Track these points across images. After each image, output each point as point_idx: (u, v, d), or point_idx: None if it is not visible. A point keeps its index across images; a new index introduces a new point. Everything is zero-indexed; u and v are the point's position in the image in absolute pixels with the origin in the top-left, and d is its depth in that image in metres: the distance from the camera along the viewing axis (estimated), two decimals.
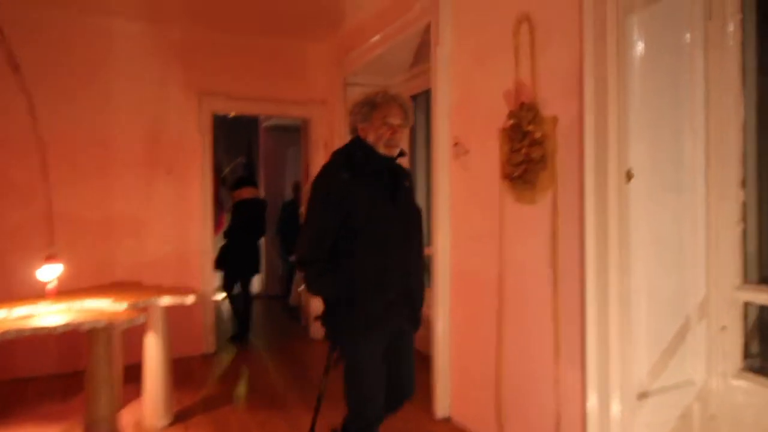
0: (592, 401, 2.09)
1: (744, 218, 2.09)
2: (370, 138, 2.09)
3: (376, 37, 4.00)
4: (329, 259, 1.99)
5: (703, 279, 2.15)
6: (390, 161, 2.12)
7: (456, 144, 2.99)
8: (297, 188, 6.58)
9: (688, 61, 2.14)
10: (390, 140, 2.08)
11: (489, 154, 2.71)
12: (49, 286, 2.90)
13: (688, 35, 2.14)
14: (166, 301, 3.05)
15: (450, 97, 3.08)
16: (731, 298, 2.10)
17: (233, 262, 5.21)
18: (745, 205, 2.09)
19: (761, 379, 2.00)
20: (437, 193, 3.14)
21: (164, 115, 4.45)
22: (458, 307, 3.05)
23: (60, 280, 2.98)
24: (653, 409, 2.07)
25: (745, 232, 2.09)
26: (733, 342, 2.10)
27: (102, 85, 4.23)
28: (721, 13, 2.12)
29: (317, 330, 5.00)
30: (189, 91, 4.52)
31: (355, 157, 2.06)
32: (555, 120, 2.30)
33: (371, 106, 2.09)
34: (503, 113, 2.58)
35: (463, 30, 2.98)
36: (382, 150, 2.08)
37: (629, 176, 2.00)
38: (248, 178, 5.90)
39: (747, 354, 2.09)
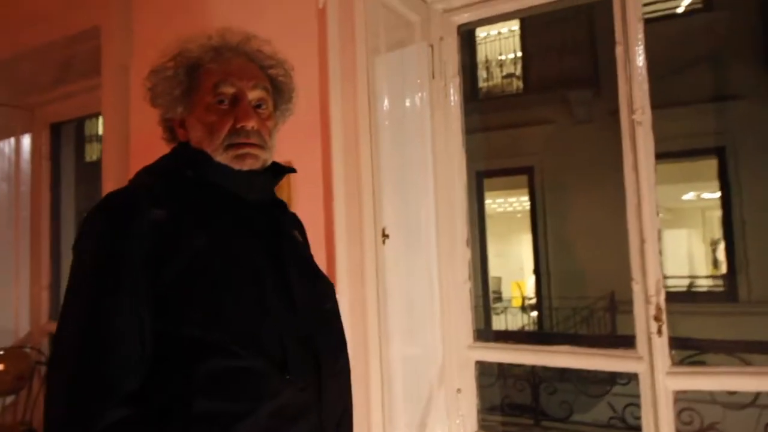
0: None
1: (470, 276, 2.11)
2: (196, 134, 0.97)
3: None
4: (146, 426, 0.79)
5: (440, 341, 2.07)
6: (263, 184, 1.01)
7: None
8: None
9: (419, 119, 2.09)
10: (240, 131, 0.95)
11: None
12: None
13: (419, 93, 2.10)
14: None
15: (131, 125, 2.33)
16: (464, 358, 2.07)
17: None
18: (470, 263, 2.11)
19: None
20: None
21: None
22: None
23: None
24: None
25: (471, 291, 2.12)
26: (468, 403, 2.06)
27: None
28: (442, 74, 2.15)
29: None
30: None
31: (181, 176, 0.96)
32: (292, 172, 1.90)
33: (188, 68, 0.98)
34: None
35: (153, 41, 2.31)
36: (223, 155, 0.95)
37: (384, 236, 1.75)
38: None
39: (481, 413, 2.08)
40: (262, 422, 0.81)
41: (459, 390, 2.05)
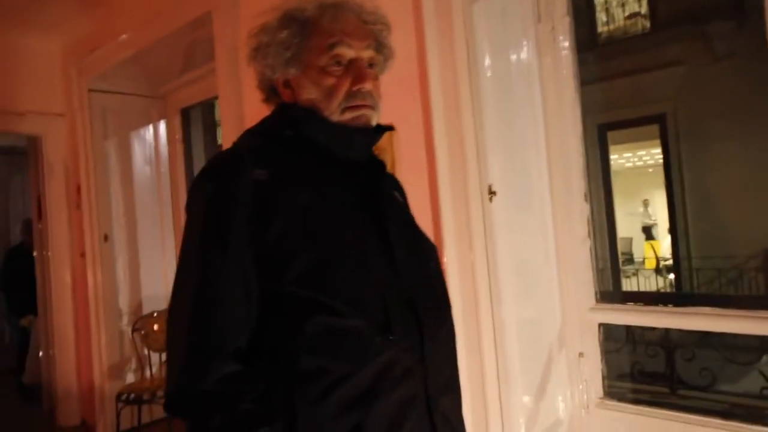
0: None
1: (590, 234, 1.96)
2: (310, 95, 0.95)
3: (128, 33, 3.13)
4: (254, 381, 0.82)
5: (558, 303, 1.96)
6: (363, 142, 0.99)
7: None
8: (27, 228, 5.03)
9: (525, 69, 1.95)
10: (356, 93, 0.94)
11: None
12: None
13: (524, 41, 1.95)
14: None
15: (244, 106, 2.46)
16: (586, 321, 1.94)
17: None
18: (589, 220, 1.96)
19: (623, 405, 1.87)
20: None
21: None
22: None
23: None
24: None
25: (591, 249, 1.97)
26: (592, 368, 1.94)
27: None
28: (549, 16, 1.98)
29: (67, 414, 3.74)
30: None
31: (283, 138, 0.95)
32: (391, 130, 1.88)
33: (300, 26, 0.95)
34: None
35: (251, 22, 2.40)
36: (340, 117, 0.94)
37: (491, 193, 1.68)
38: None
39: (608, 379, 1.96)
40: (365, 382, 0.81)
41: (581, 354, 1.94)
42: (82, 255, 3.68)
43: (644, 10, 8.17)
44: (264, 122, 1.00)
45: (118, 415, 3.09)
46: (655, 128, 7.94)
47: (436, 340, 0.89)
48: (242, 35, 2.44)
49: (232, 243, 0.83)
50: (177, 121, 3.93)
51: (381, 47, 1.01)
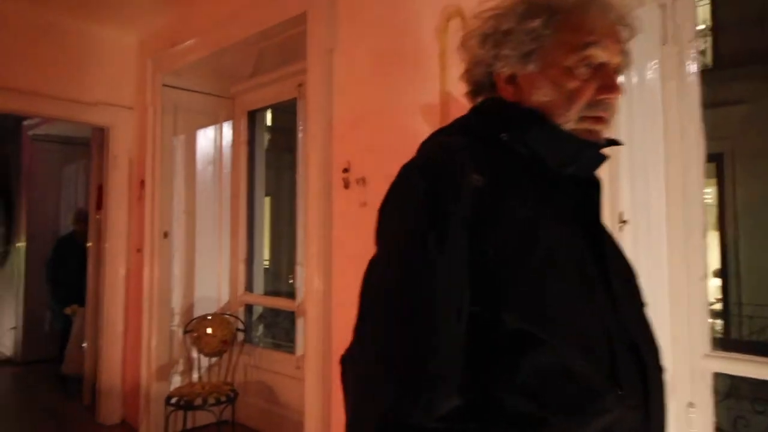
0: None
1: (707, 274, 1.81)
2: (543, 97, 0.82)
3: (210, 31, 3.11)
4: (470, 420, 0.68)
5: (670, 348, 1.81)
6: (592, 158, 0.85)
7: (346, 170, 2.28)
8: (81, 218, 5.04)
9: (649, 93, 1.83)
10: (600, 103, 0.81)
11: None
12: None
13: (649, 63, 1.83)
14: None
15: (334, 109, 2.38)
16: (698, 369, 1.78)
17: None
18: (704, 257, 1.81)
19: None
20: (312, 238, 2.37)
21: None
22: None
23: None
24: None
25: (707, 291, 1.81)
26: (702, 421, 1.77)
27: None
28: (676, 39, 1.85)
29: (107, 411, 3.68)
30: None
31: (494, 140, 0.83)
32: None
33: (549, 14, 0.82)
34: (422, 133, 1.98)
35: (356, 25, 2.33)
36: (575, 127, 0.82)
37: (622, 221, 1.55)
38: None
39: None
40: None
41: (691, 404, 1.78)
42: (139, 250, 3.64)
43: (707, 45, 7.97)
44: (470, 119, 0.88)
45: (167, 418, 3.00)
46: (712, 166, 7.69)
47: (659, 393, 0.77)
48: (339, 36, 2.38)
49: (449, 251, 0.69)
50: (243, 123, 3.89)
51: (626, 54, 0.87)
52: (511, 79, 0.85)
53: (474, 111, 0.89)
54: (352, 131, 2.29)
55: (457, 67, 1.89)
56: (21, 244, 5.75)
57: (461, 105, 1.85)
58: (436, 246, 0.69)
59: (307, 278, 2.37)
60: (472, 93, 0.91)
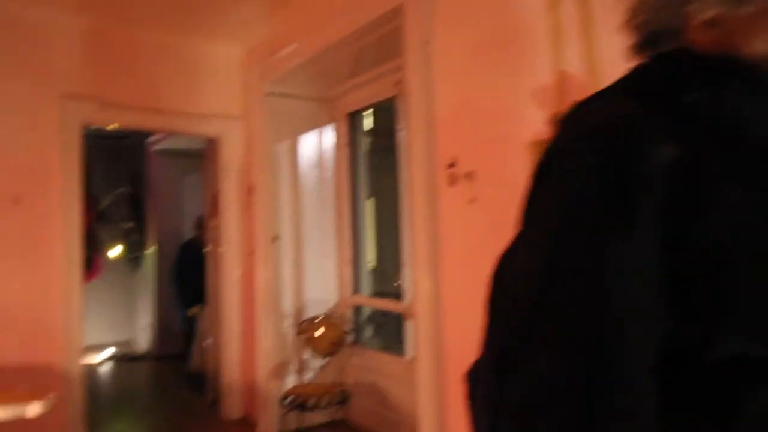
0: None
1: None
2: (763, 46, 0.58)
3: (308, 34, 3.12)
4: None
5: None
6: None
7: (452, 165, 2.16)
8: (200, 224, 5.40)
9: None
10: None
11: (511, 179, 1.91)
12: None
13: None
14: None
15: (435, 103, 2.27)
16: None
17: None
18: None
19: None
20: (419, 238, 2.27)
21: (6, 123, 3.18)
22: None
23: None
24: None
25: None
26: None
27: None
28: None
29: (229, 407, 3.86)
30: (45, 92, 3.29)
31: (682, 103, 0.59)
32: None
33: None
34: (533, 120, 1.81)
35: (453, 12, 2.20)
36: None
37: None
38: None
39: None
40: None
41: None
42: (251, 254, 3.78)
43: None
44: (642, 76, 0.66)
45: (283, 417, 3.07)
46: None
47: None
48: (436, 27, 2.27)
49: (636, 249, 0.52)
50: (344, 125, 3.90)
51: None
52: (713, 23, 0.63)
53: (647, 66, 0.66)
54: (456, 124, 2.17)
55: (574, 43, 1.70)
56: (151, 250, 6.28)
57: (580, 83, 1.65)
58: (618, 243, 0.53)
59: (415, 280, 2.28)
60: (643, 45, 0.68)
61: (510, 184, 1.93)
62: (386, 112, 3.74)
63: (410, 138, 2.36)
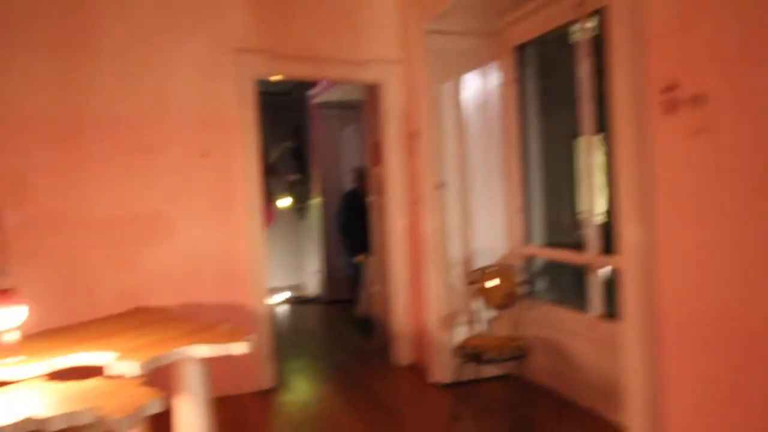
0: None
1: None
2: None
3: None
4: None
5: None
6: None
7: (669, 88, 1.76)
8: (360, 175, 5.50)
9: None
10: None
11: (763, 102, 1.49)
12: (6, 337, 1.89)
13: None
14: (202, 351, 2.00)
15: (648, 13, 1.86)
16: None
17: None
18: None
19: None
20: (626, 180, 1.93)
21: (189, 79, 3.39)
22: (690, 371, 1.85)
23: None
24: None
25: None
26: None
27: (95, 39, 3.19)
28: None
29: (398, 353, 3.91)
30: (222, 48, 3.44)
31: None
32: None
33: None
34: None
35: None
36: None
37: None
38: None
39: None
40: None
41: None
42: (415, 202, 3.69)
43: None
44: None
45: (457, 367, 3.00)
46: None
47: None
48: None
49: None
50: (511, 60, 3.55)
51: None
52: None
53: None
54: (679, 35, 1.75)
55: None
56: (316, 200, 6.59)
57: None
58: None
59: (623, 230, 1.96)
60: None
61: (761, 109, 1.51)
62: (558, 44, 3.32)
63: (612, 57, 1.99)
